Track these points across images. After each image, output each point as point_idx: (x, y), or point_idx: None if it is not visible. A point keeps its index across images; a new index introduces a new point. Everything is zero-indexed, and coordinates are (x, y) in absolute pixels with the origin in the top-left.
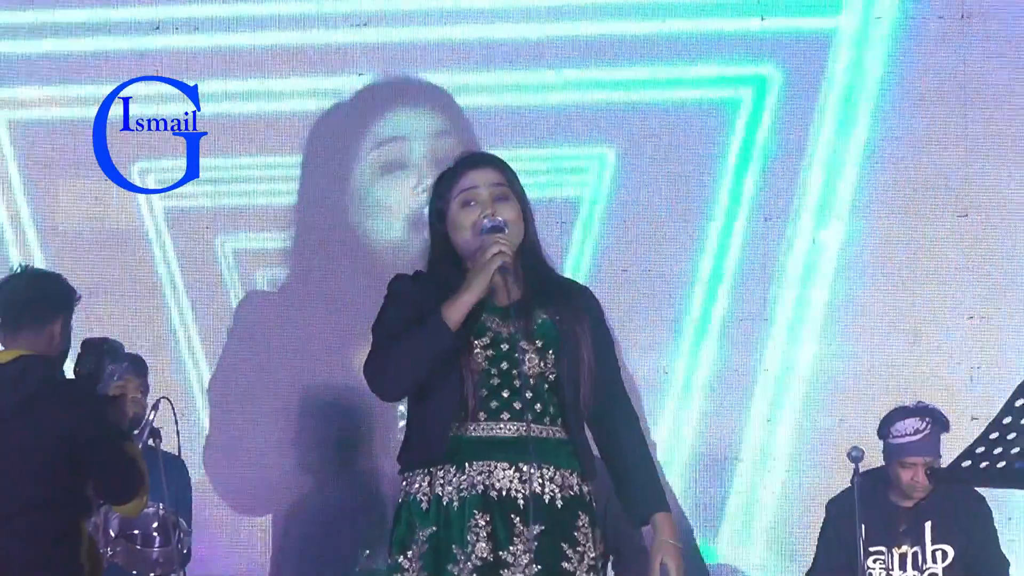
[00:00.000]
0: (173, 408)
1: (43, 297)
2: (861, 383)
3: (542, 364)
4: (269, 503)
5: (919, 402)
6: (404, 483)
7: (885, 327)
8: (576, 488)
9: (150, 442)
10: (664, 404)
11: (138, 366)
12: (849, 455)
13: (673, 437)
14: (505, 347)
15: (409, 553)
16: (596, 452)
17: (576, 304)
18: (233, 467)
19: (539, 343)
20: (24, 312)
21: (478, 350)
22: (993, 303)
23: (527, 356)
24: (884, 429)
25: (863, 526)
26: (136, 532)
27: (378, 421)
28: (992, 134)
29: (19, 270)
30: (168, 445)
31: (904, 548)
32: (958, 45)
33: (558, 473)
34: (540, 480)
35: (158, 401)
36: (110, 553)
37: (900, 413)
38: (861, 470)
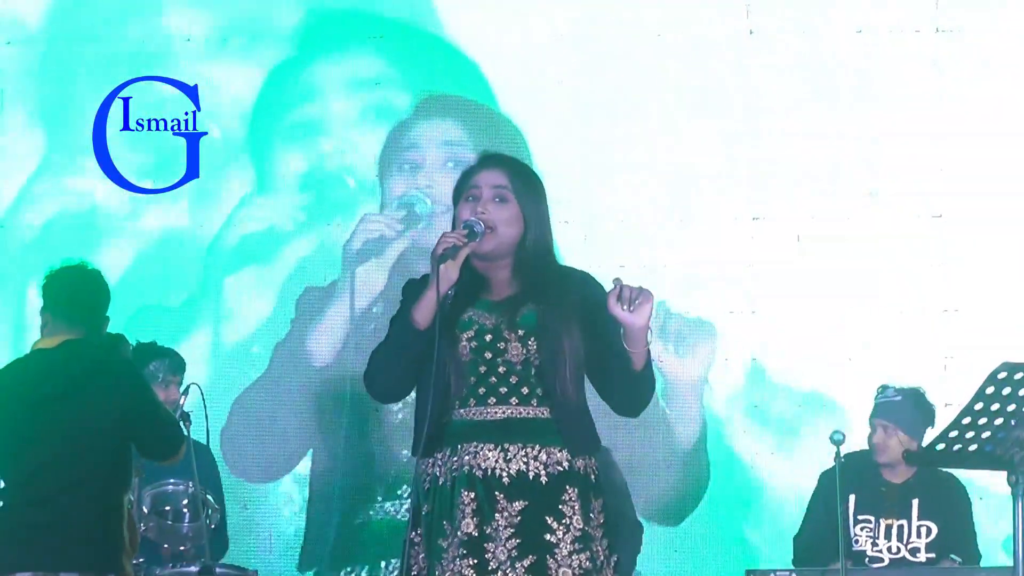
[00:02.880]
0: (203, 395)
1: (99, 296)
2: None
3: (525, 351)
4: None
5: (913, 387)
6: (417, 466)
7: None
8: (565, 464)
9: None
10: None
11: (176, 364)
12: (831, 438)
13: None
14: (489, 337)
15: (419, 529)
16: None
17: (566, 293)
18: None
19: (521, 332)
20: (80, 309)
21: (463, 342)
22: (965, 297)
23: (511, 345)
24: (876, 396)
25: (853, 496)
26: (168, 508)
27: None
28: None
29: (74, 263)
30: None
31: (891, 520)
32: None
33: (543, 451)
34: (525, 458)
35: (188, 387)
36: (143, 528)
37: (891, 386)
38: (843, 453)
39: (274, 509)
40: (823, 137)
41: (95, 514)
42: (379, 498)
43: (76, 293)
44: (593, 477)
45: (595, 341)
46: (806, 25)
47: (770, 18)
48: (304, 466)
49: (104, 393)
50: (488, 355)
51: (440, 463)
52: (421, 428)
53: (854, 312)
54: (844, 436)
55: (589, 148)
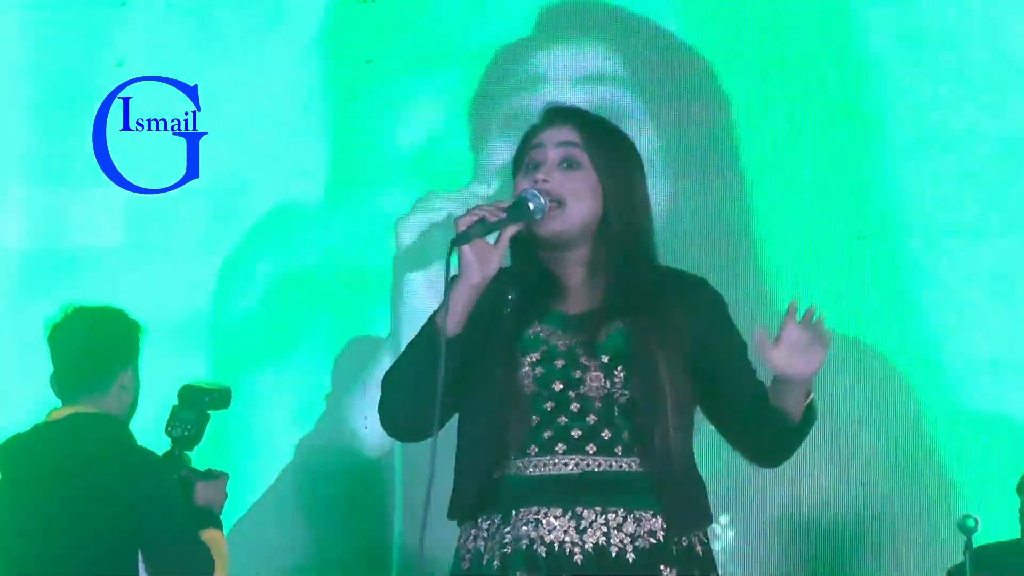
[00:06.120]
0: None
1: (105, 345)
2: None
3: (609, 384)
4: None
5: None
6: (458, 536)
7: None
8: (660, 535)
9: None
10: None
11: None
12: (961, 525)
13: None
14: (561, 363)
15: None
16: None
17: (670, 305)
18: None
19: (605, 358)
20: (83, 367)
21: (526, 368)
22: None
23: (590, 374)
24: None
25: None
26: None
27: None
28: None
29: (70, 310)
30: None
31: None
32: None
33: (630, 517)
34: (605, 528)
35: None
36: None
37: None
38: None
39: None
40: None
41: None
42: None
43: (72, 355)
44: (700, 551)
45: (713, 370)
46: None
47: None
48: None
49: (112, 485)
50: (558, 387)
51: (486, 534)
52: (464, 483)
53: None
54: (978, 522)
55: None
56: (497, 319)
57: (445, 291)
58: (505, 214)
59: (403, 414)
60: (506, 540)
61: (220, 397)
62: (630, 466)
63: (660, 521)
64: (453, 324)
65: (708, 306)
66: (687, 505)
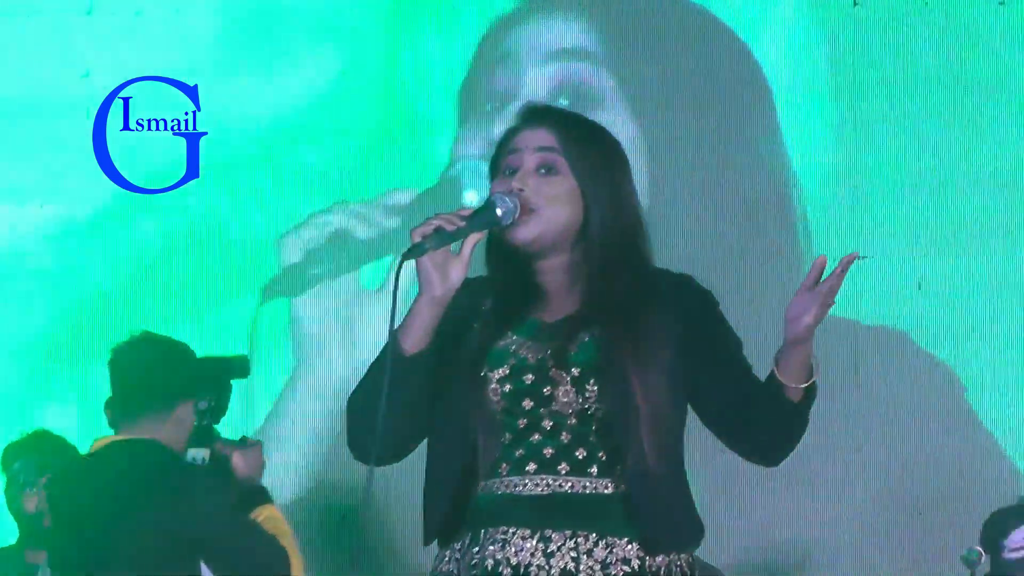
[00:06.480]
0: None
1: (166, 375)
2: None
3: (581, 399)
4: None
5: (1021, 497)
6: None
7: None
8: (635, 563)
9: None
10: None
11: (53, 459)
12: (965, 558)
13: None
14: (530, 379)
15: None
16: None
17: (649, 309)
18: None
19: (576, 371)
20: (143, 396)
21: (494, 384)
22: None
23: (560, 389)
24: (993, 538)
25: None
26: None
27: None
28: None
29: (137, 337)
30: None
31: None
32: None
33: (601, 543)
34: (575, 553)
35: None
36: None
37: (1013, 517)
38: None
39: None
40: None
41: None
42: None
43: (132, 384)
44: None
45: (703, 372)
46: None
47: None
48: None
49: (167, 509)
50: (528, 404)
51: (458, 555)
52: (432, 506)
53: None
54: (982, 554)
55: None
56: (465, 333)
57: (392, 307)
58: (465, 223)
59: (360, 436)
60: (474, 561)
61: (239, 366)
62: (605, 488)
63: (636, 548)
64: (415, 341)
65: (695, 306)
66: (666, 526)
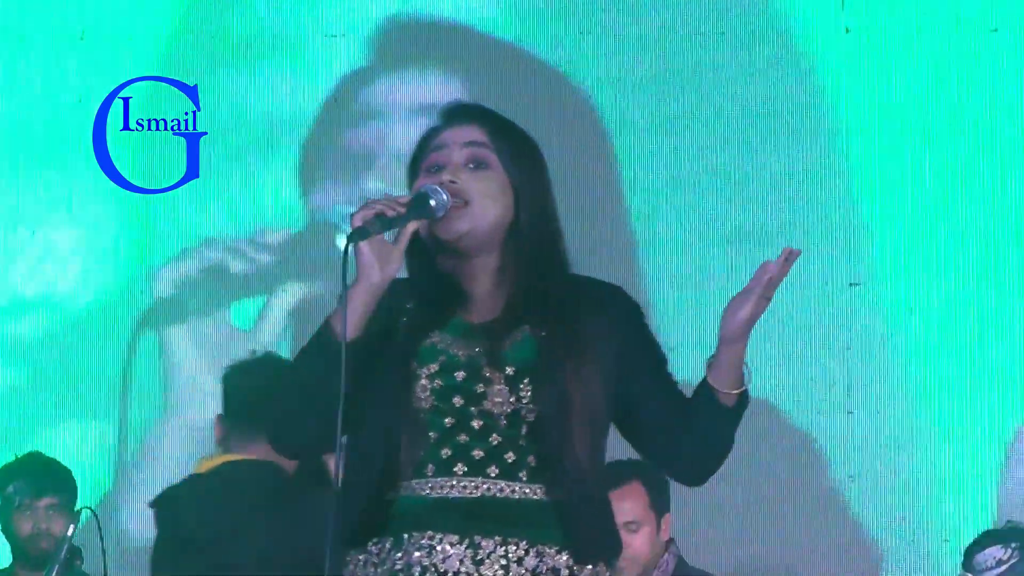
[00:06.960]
0: (98, 521)
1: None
2: None
3: (515, 399)
4: None
5: (1009, 521)
6: (347, 563)
7: None
8: (564, 573)
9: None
10: None
11: (47, 481)
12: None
13: None
14: (461, 376)
15: None
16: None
17: (583, 313)
18: None
19: (510, 370)
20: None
21: (423, 380)
22: None
23: (493, 387)
24: (968, 561)
25: None
26: None
27: None
28: None
29: (257, 357)
30: (91, 567)
31: None
32: None
33: (532, 551)
34: (504, 560)
35: (78, 513)
36: None
37: (985, 541)
38: None
39: None
40: None
41: None
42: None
43: (255, 404)
44: None
45: (633, 384)
46: None
47: None
48: None
49: (286, 528)
50: (459, 401)
51: (376, 559)
52: (352, 505)
53: None
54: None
55: None
56: (391, 332)
57: (342, 292)
58: (404, 209)
59: (300, 427)
60: (397, 567)
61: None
62: (535, 493)
63: (565, 558)
64: (350, 328)
65: (628, 316)
66: (595, 531)
